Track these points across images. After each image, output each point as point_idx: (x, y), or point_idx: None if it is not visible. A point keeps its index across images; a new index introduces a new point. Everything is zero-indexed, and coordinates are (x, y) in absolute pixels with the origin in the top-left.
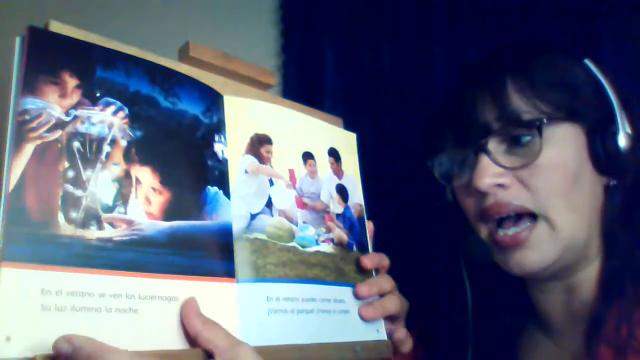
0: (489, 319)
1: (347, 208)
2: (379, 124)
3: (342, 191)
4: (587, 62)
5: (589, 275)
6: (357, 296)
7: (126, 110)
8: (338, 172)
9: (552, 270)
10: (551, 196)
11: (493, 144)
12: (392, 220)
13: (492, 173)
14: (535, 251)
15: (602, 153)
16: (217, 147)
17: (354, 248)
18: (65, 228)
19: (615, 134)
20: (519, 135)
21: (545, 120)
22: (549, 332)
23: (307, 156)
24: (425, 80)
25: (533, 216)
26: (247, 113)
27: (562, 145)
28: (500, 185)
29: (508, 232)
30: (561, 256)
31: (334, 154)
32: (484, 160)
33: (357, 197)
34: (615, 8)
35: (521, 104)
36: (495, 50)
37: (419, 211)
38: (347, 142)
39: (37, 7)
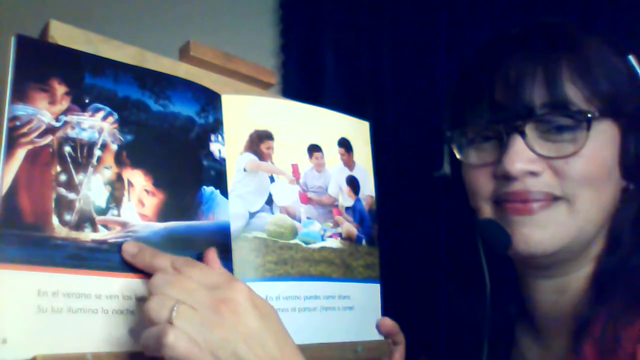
0: (482, 324)
1: (357, 201)
2: (378, 124)
3: (353, 183)
4: (631, 57)
5: (580, 277)
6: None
7: (115, 116)
8: (349, 164)
9: (551, 261)
10: (583, 185)
11: (530, 128)
12: (393, 219)
13: (526, 158)
14: (547, 231)
15: (633, 157)
16: (214, 147)
17: (364, 242)
18: (60, 230)
19: None
20: (562, 124)
21: (597, 114)
22: (538, 335)
23: (314, 149)
24: (425, 79)
25: (556, 197)
26: (245, 110)
27: (603, 141)
28: (532, 173)
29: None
30: (568, 245)
31: (344, 144)
32: (518, 143)
33: (368, 188)
34: (617, 8)
35: (572, 92)
36: (544, 21)
37: (418, 209)
38: (359, 131)
39: (37, 7)
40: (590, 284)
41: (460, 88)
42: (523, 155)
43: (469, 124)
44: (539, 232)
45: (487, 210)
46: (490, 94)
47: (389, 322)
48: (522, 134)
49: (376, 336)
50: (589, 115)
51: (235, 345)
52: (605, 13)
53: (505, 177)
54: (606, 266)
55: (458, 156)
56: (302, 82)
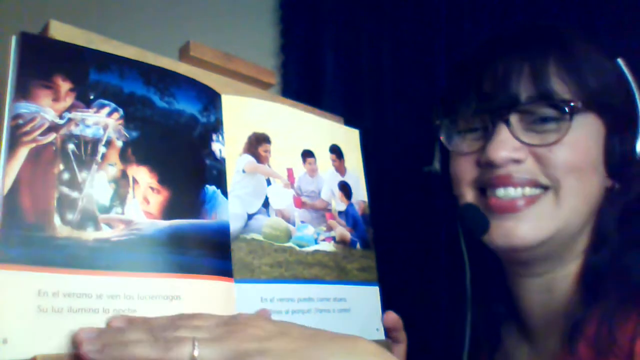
0: (468, 321)
1: (350, 205)
2: (379, 124)
3: (344, 188)
4: (620, 61)
5: (567, 275)
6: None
7: (121, 112)
8: (341, 169)
9: (538, 254)
10: (566, 173)
11: (515, 117)
12: (394, 218)
13: (510, 147)
14: (530, 224)
15: (618, 155)
16: (215, 146)
17: (358, 246)
18: (62, 230)
19: (635, 139)
20: (546, 115)
21: (580, 105)
22: (528, 335)
23: (307, 154)
24: (425, 79)
25: (542, 187)
26: (245, 112)
27: (587, 133)
28: (515, 161)
29: (508, 194)
30: (553, 237)
31: (336, 150)
32: (503, 132)
33: (361, 194)
34: (616, 9)
35: (558, 86)
36: (537, 23)
37: (418, 209)
38: (349, 138)
39: (37, 7)
40: (578, 283)
41: (451, 81)
42: (507, 143)
43: (457, 113)
44: (522, 224)
45: (469, 196)
46: (478, 85)
47: (393, 316)
48: (507, 123)
49: (375, 335)
50: (572, 104)
51: (264, 346)
52: (605, 13)
53: (490, 165)
54: (594, 264)
55: (445, 143)
56: (301, 82)
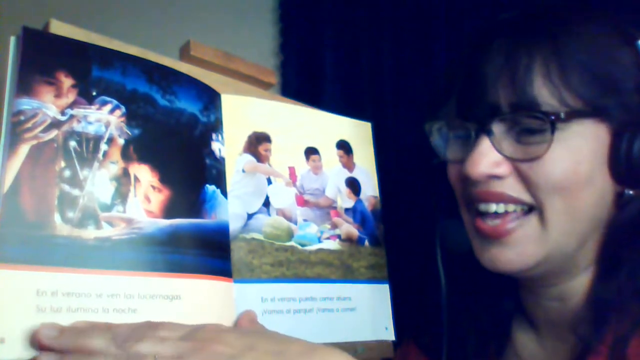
0: (476, 316)
1: (358, 201)
2: (378, 123)
3: (353, 184)
4: None
5: (580, 284)
6: None
7: (123, 109)
8: (349, 165)
9: (533, 274)
10: (550, 193)
11: (499, 127)
12: (394, 217)
13: (489, 162)
14: (516, 250)
15: (625, 160)
16: (215, 146)
17: (366, 243)
18: (62, 228)
19: None
20: (529, 126)
21: (562, 116)
22: (539, 336)
23: (310, 152)
24: (425, 79)
25: (527, 208)
26: (244, 111)
27: (578, 145)
28: (496, 177)
29: (489, 209)
30: (543, 261)
31: (343, 146)
32: (484, 144)
33: (371, 189)
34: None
35: (544, 93)
36: (529, 12)
37: (419, 208)
38: (360, 132)
39: (37, 7)
40: (593, 297)
41: (443, 83)
42: (487, 157)
43: (445, 118)
44: (508, 251)
45: (464, 215)
46: (463, 91)
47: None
48: (489, 133)
49: (381, 336)
50: (552, 117)
51: None
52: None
53: (468, 179)
54: (610, 280)
55: (436, 149)
56: (301, 81)
